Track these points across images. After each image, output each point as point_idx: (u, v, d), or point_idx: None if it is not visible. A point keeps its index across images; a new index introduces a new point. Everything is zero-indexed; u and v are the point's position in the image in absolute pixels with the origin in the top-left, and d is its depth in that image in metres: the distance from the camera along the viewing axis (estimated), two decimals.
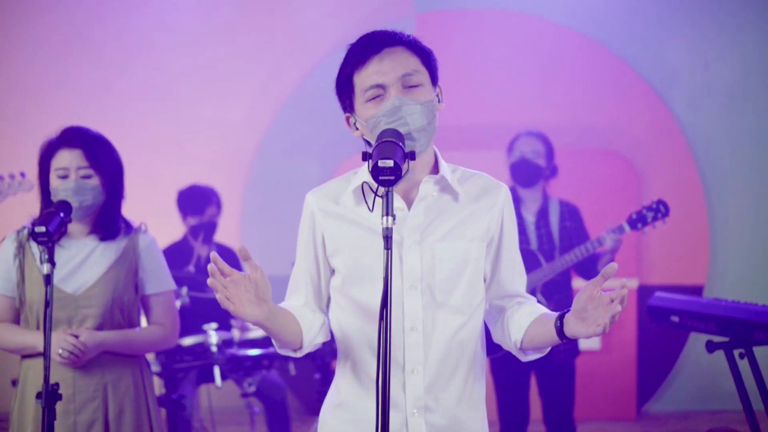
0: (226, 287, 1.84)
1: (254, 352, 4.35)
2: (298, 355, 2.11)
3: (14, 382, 4.60)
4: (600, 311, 1.83)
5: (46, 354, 2.57)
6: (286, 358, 4.40)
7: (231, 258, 5.13)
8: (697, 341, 6.29)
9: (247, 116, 6.66)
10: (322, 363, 4.32)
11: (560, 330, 1.93)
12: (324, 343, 4.33)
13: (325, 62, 6.52)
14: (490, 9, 6.54)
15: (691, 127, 6.49)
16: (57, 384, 2.59)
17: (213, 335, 4.21)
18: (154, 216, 5.84)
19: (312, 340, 2.09)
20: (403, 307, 1.98)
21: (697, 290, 6.30)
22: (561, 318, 1.94)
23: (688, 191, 6.40)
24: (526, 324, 2.03)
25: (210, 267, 1.82)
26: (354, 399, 2.05)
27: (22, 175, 4.36)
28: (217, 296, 1.83)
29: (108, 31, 6.62)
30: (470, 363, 2.04)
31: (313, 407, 6.15)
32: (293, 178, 6.61)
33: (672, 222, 5.87)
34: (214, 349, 4.20)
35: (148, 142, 6.45)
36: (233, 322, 5.12)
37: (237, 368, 4.35)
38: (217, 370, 4.19)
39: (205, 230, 4.99)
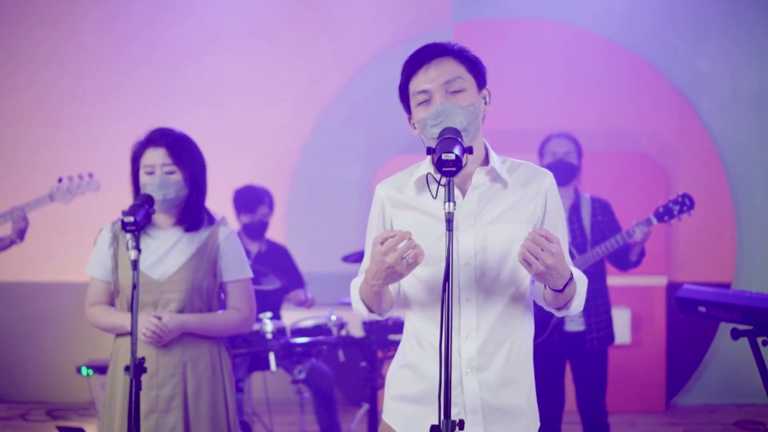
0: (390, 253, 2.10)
1: (304, 340, 4.53)
2: (382, 317, 2.41)
3: (78, 369, 4.95)
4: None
5: (133, 332, 2.86)
6: (335, 347, 4.64)
7: (281, 253, 5.40)
8: (724, 336, 6.43)
9: (291, 121, 6.85)
10: (369, 351, 4.54)
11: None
12: (369, 334, 4.59)
13: (366, 69, 6.77)
14: (522, 18, 6.73)
15: (719, 132, 6.61)
16: (143, 358, 2.87)
17: (268, 323, 4.43)
18: None
19: (391, 305, 2.39)
20: (459, 281, 2.26)
21: (724, 287, 6.38)
22: None
23: (716, 194, 6.53)
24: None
25: (394, 231, 2.10)
26: (416, 360, 2.34)
27: (90, 175, 4.64)
28: (391, 259, 2.09)
29: (158, 39, 6.87)
30: (518, 329, 2.31)
31: (357, 398, 6.40)
32: (335, 181, 6.83)
33: (700, 222, 6.01)
34: (269, 336, 4.41)
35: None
36: (284, 313, 5.39)
37: (289, 355, 4.55)
38: (272, 356, 4.39)
39: (257, 228, 5.22)
